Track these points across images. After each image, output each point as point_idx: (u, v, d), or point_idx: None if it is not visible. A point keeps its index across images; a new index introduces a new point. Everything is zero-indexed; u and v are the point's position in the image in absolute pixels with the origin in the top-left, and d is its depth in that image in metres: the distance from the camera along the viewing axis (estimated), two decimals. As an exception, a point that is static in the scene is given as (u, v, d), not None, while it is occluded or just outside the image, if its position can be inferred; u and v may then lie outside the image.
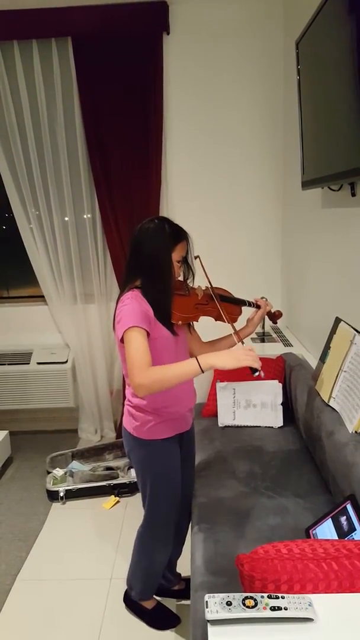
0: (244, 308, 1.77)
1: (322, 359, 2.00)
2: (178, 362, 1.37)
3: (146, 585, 1.84)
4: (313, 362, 2.35)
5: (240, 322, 1.73)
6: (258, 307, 1.76)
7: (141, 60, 2.89)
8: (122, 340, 1.44)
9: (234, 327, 1.58)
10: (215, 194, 3.15)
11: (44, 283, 3.28)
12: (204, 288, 1.67)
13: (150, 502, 1.69)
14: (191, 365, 1.34)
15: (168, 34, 2.91)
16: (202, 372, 1.35)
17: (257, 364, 1.34)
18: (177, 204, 3.15)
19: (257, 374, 1.36)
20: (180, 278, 1.64)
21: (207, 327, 1.87)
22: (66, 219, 3.18)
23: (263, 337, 2.89)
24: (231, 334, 1.68)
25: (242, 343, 1.54)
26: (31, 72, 2.95)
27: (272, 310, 1.85)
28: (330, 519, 1.43)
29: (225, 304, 1.67)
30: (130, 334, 1.41)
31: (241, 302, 1.75)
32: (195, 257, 1.62)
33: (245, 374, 2.37)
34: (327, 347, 1.98)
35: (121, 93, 2.93)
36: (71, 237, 3.20)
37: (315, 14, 1.80)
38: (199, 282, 1.69)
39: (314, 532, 1.48)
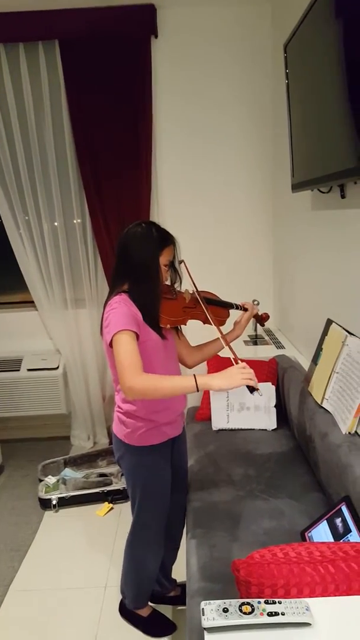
0: (231, 311, 1.77)
1: (315, 360, 2.00)
2: (175, 376, 1.37)
3: (139, 592, 1.81)
4: (305, 364, 2.35)
5: (228, 326, 1.73)
6: (245, 309, 1.76)
7: (129, 63, 2.89)
8: (110, 345, 1.43)
9: (220, 331, 1.58)
10: (205, 197, 3.15)
11: (34, 288, 3.25)
12: (191, 292, 1.67)
13: (139, 509, 1.68)
14: (188, 382, 1.34)
15: (156, 37, 2.91)
16: (197, 390, 1.34)
17: (253, 383, 1.34)
18: (167, 207, 3.14)
19: (254, 393, 1.36)
20: (168, 282, 1.64)
21: (195, 330, 1.87)
22: (55, 224, 3.16)
23: (255, 340, 2.89)
24: (217, 343, 1.70)
25: (231, 348, 1.53)
26: (18, 75, 2.93)
27: (260, 313, 1.86)
28: (325, 521, 1.43)
29: (212, 307, 1.67)
30: (120, 337, 1.40)
31: (228, 305, 1.75)
32: (180, 262, 1.62)
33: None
34: (319, 349, 1.98)
35: (110, 96, 2.92)
36: (61, 242, 3.17)
37: (303, 17, 1.81)
38: (187, 286, 1.69)
39: (309, 534, 1.47)
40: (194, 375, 1.35)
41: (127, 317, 1.44)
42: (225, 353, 1.62)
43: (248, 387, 1.35)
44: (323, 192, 2.05)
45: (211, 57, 2.96)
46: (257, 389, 1.36)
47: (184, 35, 2.93)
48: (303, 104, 1.97)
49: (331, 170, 1.69)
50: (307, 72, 1.86)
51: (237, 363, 1.39)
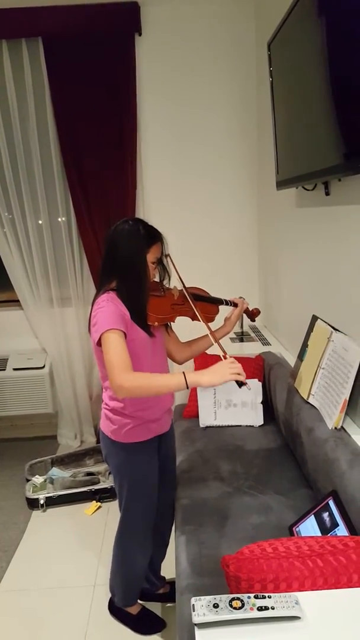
0: (221, 307, 1.77)
1: (300, 356, 2.02)
2: (164, 374, 1.38)
3: (128, 590, 1.82)
4: (291, 361, 2.37)
5: (219, 322, 1.73)
6: (235, 305, 1.76)
7: (113, 61, 2.87)
8: (99, 344, 1.43)
9: (209, 327, 1.58)
10: (190, 194, 3.15)
11: (19, 287, 3.22)
12: (179, 288, 1.67)
13: (127, 506, 1.68)
14: (177, 379, 1.34)
15: (140, 34, 2.90)
16: (187, 388, 1.35)
17: (242, 377, 1.35)
18: (153, 204, 3.14)
19: (242, 387, 1.37)
20: (157, 279, 1.63)
21: (186, 326, 1.87)
22: (40, 222, 3.13)
23: (242, 337, 2.90)
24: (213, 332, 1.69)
25: (219, 344, 1.54)
26: (1, 73, 2.89)
27: (250, 308, 1.86)
28: (313, 516, 1.44)
29: (201, 304, 1.66)
30: (108, 335, 1.40)
31: (218, 301, 1.75)
32: (166, 256, 1.61)
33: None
34: (304, 345, 2.00)
35: (94, 94, 2.90)
36: (46, 240, 3.15)
37: (286, 15, 1.82)
38: (176, 283, 1.69)
39: (297, 529, 1.49)
40: (184, 372, 1.35)
41: (115, 315, 1.43)
42: (213, 350, 1.63)
43: (237, 381, 1.36)
44: (308, 190, 2.07)
45: (195, 54, 2.95)
46: (246, 384, 1.37)
47: (168, 33, 2.92)
48: (287, 102, 1.98)
49: (315, 168, 1.70)
50: (291, 70, 1.87)
51: (225, 359, 1.40)
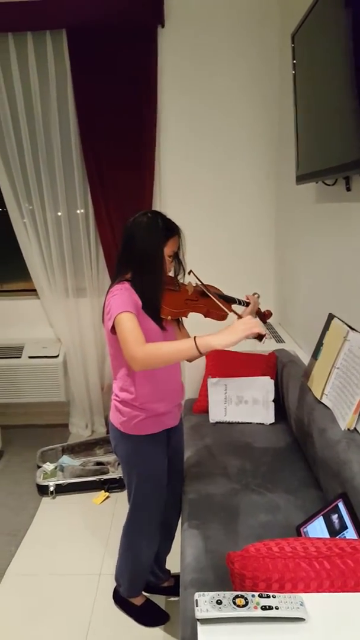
0: (234, 306, 1.76)
1: (315, 355, 1.99)
2: (175, 341, 1.37)
3: (133, 581, 1.83)
4: (305, 359, 2.35)
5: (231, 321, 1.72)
6: (248, 304, 1.74)
7: (136, 53, 2.85)
8: (112, 331, 1.43)
9: (221, 303, 1.57)
10: (208, 188, 3.13)
11: (37, 277, 3.24)
12: (194, 284, 1.66)
13: (135, 498, 1.68)
14: (187, 344, 1.33)
15: (163, 26, 2.87)
16: (200, 353, 1.33)
17: (259, 329, 1.32)
18: (170, 198, 3.12)
19: (263, 340, 1.34)
20: (171, 273, 1.63)
21: (197, 324, 1.85)
22: (59, 213, 3.14)
23: (256, 333, 2.88)
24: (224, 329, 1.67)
25: (232, 309, 1.53)
26: (25, 64, 2.90)
27: (262, 310, 1.82)
28: (321, 517, 1.43)
29: (214, 302, 1.65)
30: (122, 317, 1.40)
31: (231, 300, 1.74)
32: (189, 272, 1.63)
33: (234, 370, 2.37)
34: (319, 344, 1.97)
35: (115, 86, 2.89)
36: (64, 231, 3.16)
37: (311, 6, 1.78)
38: (189, 279, 1.68)
39: (305, 529, 1.47)
40: (194, 337, 1.33)
41: (129, 301, 1.44)
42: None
43: (256, 337, 1.33)
44: (328, 185, 2.03)
45: (218, 46, 2.91)
46: (265, 335, 1.34)
47: (191, 25, 2.89)
48: (310, 95, 1.94)
49: (337, 163, 1.67)
50: (315, 62, 1.84)
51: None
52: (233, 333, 1.31)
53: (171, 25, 2.88)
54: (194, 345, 1.32)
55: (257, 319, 1.33)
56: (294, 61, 2.11)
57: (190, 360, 1.51)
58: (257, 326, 1.32)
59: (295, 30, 2.03)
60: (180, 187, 3.12)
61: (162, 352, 1.34)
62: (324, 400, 1.79)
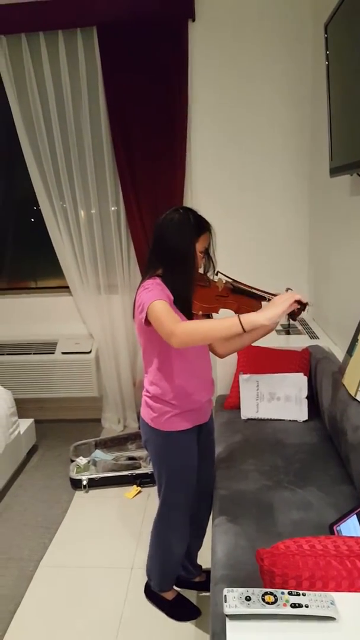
0: (264, 303, 1.73)
1: (350, 351, 1.95)
2: (215, 319, 1.35)
3: (164, 576, 1.83)
4: (340, 355, 2.30)
5: None
6: None
7: (166, 48, 2.85)
8: (146, 322, 1.43)
9: (257, 290, 1.57)
10: (240, 182, 3.10)
11: (69, 274, 3.30)
12: (224, 281, 1.65)
13: (165, 493, 1.68)
14: (230, 320, 1.30)
15: (194, 20, 2.86)
16: (244, 330, 1.29)
17: (300, 296, 1.32)
18: (201, 194, 3.11)
19: (307, 309, 1.34)
20: (201, 270, 1.62)
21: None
22: (93, 211, 3.17)
23: (288, 330, 2.84)
24: (254, 330, 1.66)
25: (265, 293, 1.53)
26: (57, 63, 2.94)
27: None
28: (355, 516, 1.39)
29: (245, 298, 1.64)
30: (155, 304, 1.39)
31: (261, 297, 1.71)
32: (216, 273, 1.62)
33: (266, 366, 2.34)
34: (354, 340, 1.93)
35: (146, 82, 2.89)
36: (95, 229, 3.20)
37: (346, -8, 1.73)
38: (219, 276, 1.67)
39: (338, 528, 1.44)
40: (238, 315, 1.31)
41: (162, 294, 1.44)
42: (259, 342, 1.59)
43: (298, 308, 1.34)
44: (363, 178, 1.98)
45: (248, 39, 2.88)
46: (307, 303, 1.33)
47: (222, 18, 2.86)
48: (343, 85, 1.89)
49: (372, 154, 1.62)
50: (348, 52, 1.78)
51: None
52: (275, 306, 1.29)
53: (202, 19, 2.86)
54: (237, 322, 1.29)
55: (293, 292, 1.32)
56: (327, 52, 2.06)
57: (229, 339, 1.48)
58: (295, 295, 1.30)
59: (328, 20, 1.98)
60: (211, 184, 3.10)
61: (203, 326, 1.31)
62: (359, 397, 1.75)
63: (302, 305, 1.32)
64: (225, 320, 1.30)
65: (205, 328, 1.31)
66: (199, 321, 1.33)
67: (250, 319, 1.28)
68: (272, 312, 1.28)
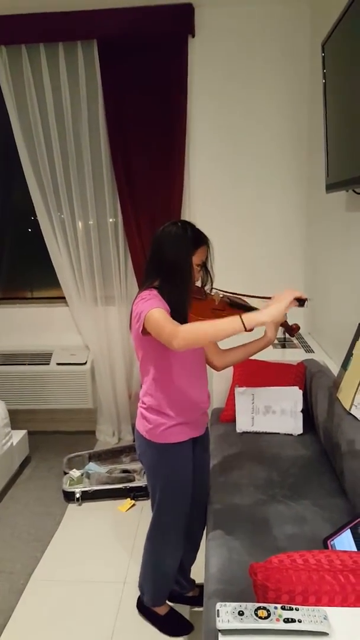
0: None
1: (344, 366, 1.95)
2: (217, 320, 1.35)
3: (157, 590, 1.81)
4: (335, 369, 2.30)
5: (257, 332, 1.69)
6: None
7: (166, 63, 2.89)
8: (144, 332, 1.44)
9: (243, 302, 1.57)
10: (237, 197, 3.13)
11: (66, 285, 3.30)
12: (220, 295, 1.66)
13: (159, 506, 1.67)
14: (231, 319, 1.30)
15: (193, 36, 2.91)
16: (246, 329, 1.30)
17: (299, 292, 1.33)
18: (199, 207, 3.14)
19: (306, 304, 1.35)
20: (198, 283, 1.63)
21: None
22: (90, 222, 3.19)
23: (284, 343, 2.85)
24: (253, 341, 1.68)
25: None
26: (57, 75, 2.98)
27: (290, 323, 1.78)
28: (349, 530, 1.39)
29: (241, 312, 1.64)
30: (153, 312, 1.40)
31: (257, 310, 1.72)
32: (210, 290, 1.64)
33: (262, 379, 2.34)
34: (349, 354, 1.94)
35: (145, 96, 2.94)
36: (93, 240, 3.21)
37: (341, 15, 1.77)
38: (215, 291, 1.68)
39: (332, 542, 1.44)
40: (239, 314, 1.31)
41: (159, 303, 1.45)
42: (255, 356, 1.60)
43: (299, 303, 1.35)
44: (358, 193, 2.01)
45: (248, 55, 2.93)
46: (306, 299, 1.34)
47: (221, 35, 2.91)
48: (340, 103, 1.93)
49: (367, 171, 1.65)
50: (345, 71, 1.82)
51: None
52: (277, 303, 1.30)
53: (201, 35, 2.92)
54: (239, 321, 1.30)
55: (292, 290, 1.34)
56: (324, 70, 2.10)
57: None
58: (295, 292, 1.32)
59: (325, 39, 2.02)
60: (209, 196, 3.13)
61: (205, 325, 1.32)
62: (354, 412, 1.75)
63: (301, 302, 1.33)
64: (227, 320, 1.31)
65: (207, 327, 1.32)
66: (201, 322, 1.34)
67: (252, 317, 1.30)
68: (273, 309, 1.30)
